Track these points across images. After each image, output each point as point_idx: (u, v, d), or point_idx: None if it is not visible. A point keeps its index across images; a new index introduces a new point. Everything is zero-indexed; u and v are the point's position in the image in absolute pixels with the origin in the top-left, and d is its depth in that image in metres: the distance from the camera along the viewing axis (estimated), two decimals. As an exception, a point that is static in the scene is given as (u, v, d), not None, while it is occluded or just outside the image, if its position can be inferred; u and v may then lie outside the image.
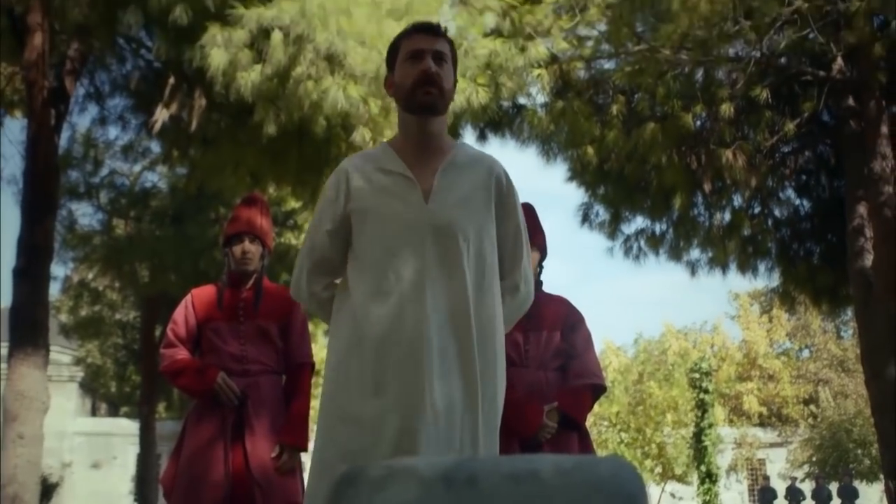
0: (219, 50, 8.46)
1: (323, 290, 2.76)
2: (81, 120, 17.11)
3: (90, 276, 20.76)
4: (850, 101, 11.73)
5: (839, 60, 11.34)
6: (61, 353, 27.74)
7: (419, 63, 2.60)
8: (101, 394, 32.26)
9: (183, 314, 4.26)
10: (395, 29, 8.59)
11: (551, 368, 3.88)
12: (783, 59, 12.20)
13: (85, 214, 18.97)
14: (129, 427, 26.63)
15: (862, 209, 11.60)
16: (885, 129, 11.18)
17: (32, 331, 10.07)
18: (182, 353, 4.18)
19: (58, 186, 11.85)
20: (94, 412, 35.30)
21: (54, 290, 20.12)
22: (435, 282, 2.52)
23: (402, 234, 2.55)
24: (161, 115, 10.30)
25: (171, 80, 10.17)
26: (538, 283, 4.05)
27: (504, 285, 2.73)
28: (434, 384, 2.45)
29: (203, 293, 4.33)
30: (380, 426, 2.43)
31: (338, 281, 2.75)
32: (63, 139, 12.86)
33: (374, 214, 2.59)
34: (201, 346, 4.25)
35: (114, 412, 33.58)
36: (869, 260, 11.45)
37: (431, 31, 2.68)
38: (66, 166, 15.58)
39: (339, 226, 2.67)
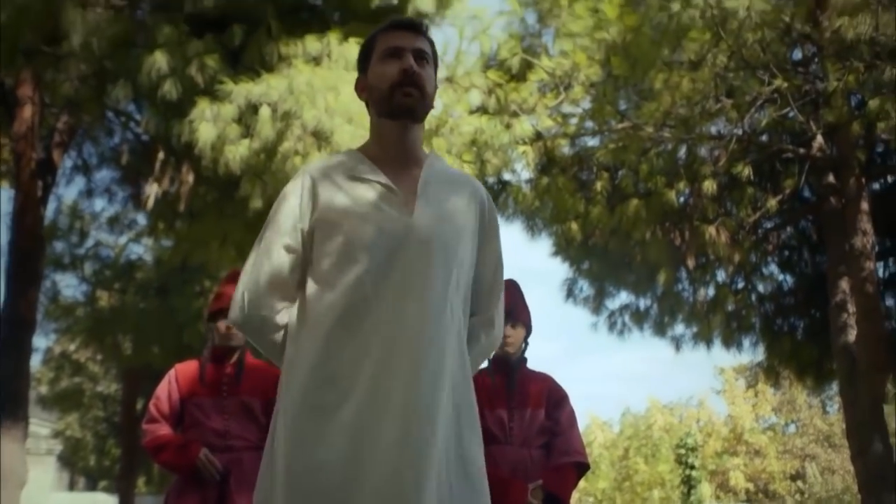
0: (207, 124, 8.55)
1: (277, 315, 2.27)
2: (68, 192, 17.24)
3: (72, 347, 20.60)
4: (831, 178, 11.89)
5: (819, 138, 11.52)
6: (40, 426, 27.39)
7: (398, 61, 2.29)
8: (79, 467, 31.79)
9: (166, 389, 4.25)
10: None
11: (535, 446, 3.86)
12: (764, 137, 12.39)
13: (69, 286, 18.89)
14: (107, 502, 26.15)
15: (844, 284, 11.67)
16: (865, 206, 11.31)
17: (12, 404, 9.98)
18: (164, 429, 4.17)
19: (42, 258, 11.84)
20: (71, 486, 34.73)
21: (35, 361, 19.97)
22: (413, 305, 2.14)
23: (382, 250, 2.16)
24: (152, 189, 10.36)
25: (161, 155, 10.25)
26: (522, 360, 4.07)
27: (478, 321, 2.42)
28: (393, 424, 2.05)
29: (187, 368, 4.33)
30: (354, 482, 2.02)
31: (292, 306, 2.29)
32: (49, 210, 12.91)
33: (347, 228, 2.19)
34: (184, 422, 4.24)
35: (92, 486, 33.07)
36: (852, 335, 11.50)
37: (412, 27, 2.38)
38: (51, 237, 15.58)
39: (300, 240, 2.25)
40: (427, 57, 2.34)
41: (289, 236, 2.26)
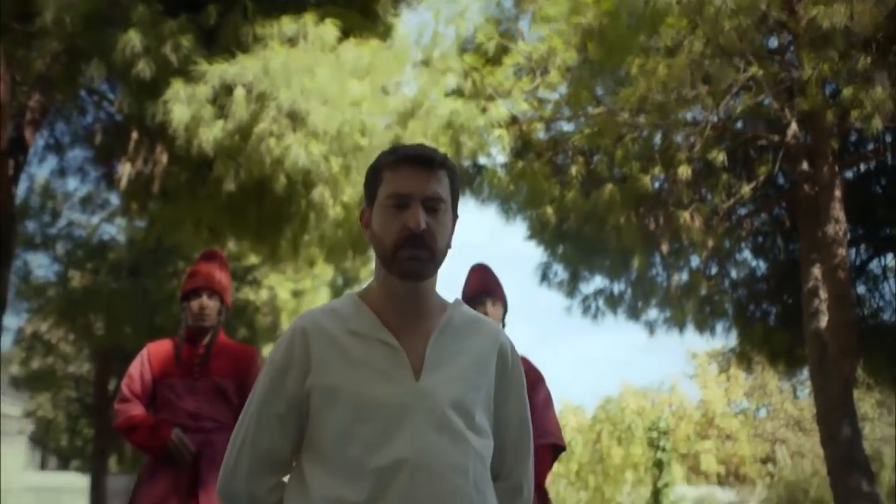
0: (181, 105, 8.48)
1: (269, 493, 2.02)
2: (40, 171, 17.07)
3: (44, 327, 20.47)
4: (805, 166, 11.97)
5: (793, 126, 11.59)
6: (11, 406, 27.21)
7: (404, 213, 1.94)
8: (51, 448, 31.63)
9: (139, 369, 4.23)
10: (357, 88, 8.69)
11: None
12: (739, 124, 12.46)
13: (41, 266, 18.80)
14: (79, 482, 26.04)
15: (817, 271, 11.77)
16: (837, 194, 11.39)
17: (-17, 384, 9.90)
18: (137, 409, 4.15)
19: (14, 237, 11.72)
20: (43, 466, 34.56)
21: (6, 341, 19.86)
22: (427, 484, 1.86)
23: (386, 421, 1.89)
24: (125, 169, 10.28)
25: (135, 135, 10.16)
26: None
27: (503, 487, 2.10)
28: None
29: (159, 348, 4.31)
30: None
31: (285, 479, 2.05)
32: (21, 189, 12.78)
33: (346, 396, 1.91)
34: (156, 402, 4.22)
35: (64, 466, 32.92)
36: (824, 321, 11.60)
37: (425, 163, 1.99)
38: (23, 217, 15.45)
39: (293, 407, 1.97)
40: (440, 202, 1.98)
41: (280, 403, 1.98)
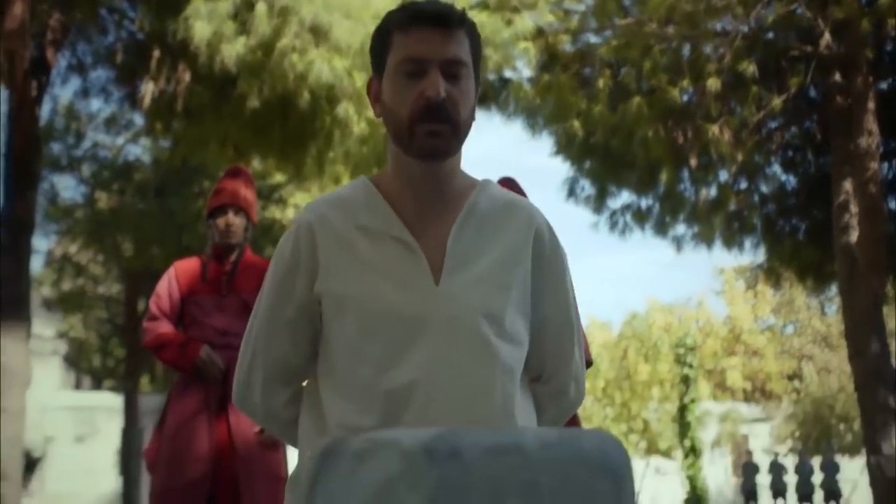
0: (202, 21, 8.40)
1: (284, 406, 1.84)
2: (63, 92, 16.98)
3: (73, 249, 20.66)
4: (837, 77, 11.71)
5: (826, 36, 11.30)
6: (44, 327, 27.62)
7: (420, 81, 1.68)
8: (84, 368, 32.15)
9: (166, 287, 4.22)
10: (380, 1, 8.54)
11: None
12: (770, 34, 12.16)
13: (67, 187, 18.92)
14: (112, 401, 26.52)
15: (848, 185, 11.61)
16: (871, 105, 11.17)
17: (14, 304, 10.01)
18: (165, 327, 4.15)
19: (39, 159, 11.76)
20: (77, 386, 35.19)
21: (36, 263, 20.10)
22: (446, 409, 1.64)
23: (399, 335, 1.67)
24: (148, 89, 10.23)
25: (156, 53, 10.09)
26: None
27: (545, 391, 1.88)
28: None
29: (186, 266, 4.29)
30: None
31: (304, 384, 1.87)
32: (45, 111, 12.78)
33: (354, 305, 1.69)
34: (184, 320, 4.22)
35: (97, 386, 33.50)
36: (854, 236, 11.48)
37: (441, 21, 1.70)
38: (47, 139, 15.48)
39: (304, 313, 1.76)
40: (462, 66, 1.71)
41: (288, 308, 1.77)
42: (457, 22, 1.71)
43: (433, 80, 1.66)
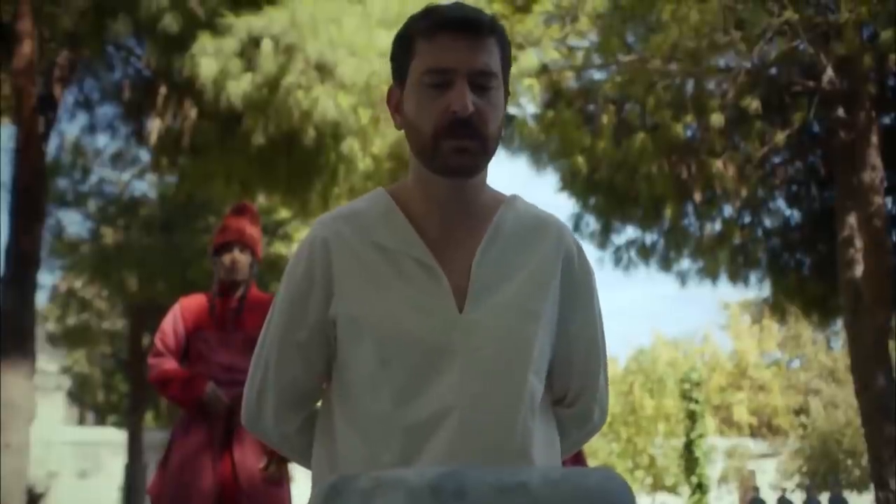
0: (209, 59, 8.47)
1: (298, 432, 1.73)
2: (70, 128, 17.13)
3: (78, 284, 20.69)
4: (840, 112, 11.76)
5: (829, 71, 11.37)
6: (48, 363, 27.62)
7: (446, 93, 1.54)
8: (88, 403, 32.11)
9: (171, 323, 4.22)
10: (386, 39, 8.60)
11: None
12: (773, 70, 12.24)
13: (73, 223, 18.97)
14: (116, 436, 26.46)
15: (852, 220, 11.62)
16: (874, 140, 11.21)
17: (20, 339, 10.02)
18: (170, 364, 4.15)
19: (46, 194, 11.81)
20: (81, 421, 35.11)
21: (42, 298, 20.09)
22: (469, 443, 1.54)
23: (420, 366, 1.56)
24: (155, 125, 10.31)
25: (163, 90, 10.17)
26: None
27: (567, 413, 1.77)
28: None
29: (192, 302, 4.30)
30: None
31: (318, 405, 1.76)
32: (51, 147, 12.84)
33: (370, 331, 1.57)
34: (189, 356, 4.22)
35: (101, 421, 33.43)
36: (859, 270, 11.47)
37: (470, 28, 1.57)
38: (54, 174, 15.53)
39: (317, 335, 1.64)
40: (491, 76, 1.57)
41: (301, 331, 1.65)
42: (486, 29, 1.58)
43: (460, 93, 1.53)
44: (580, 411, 1.77)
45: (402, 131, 1.66)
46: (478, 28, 1.56)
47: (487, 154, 1.57)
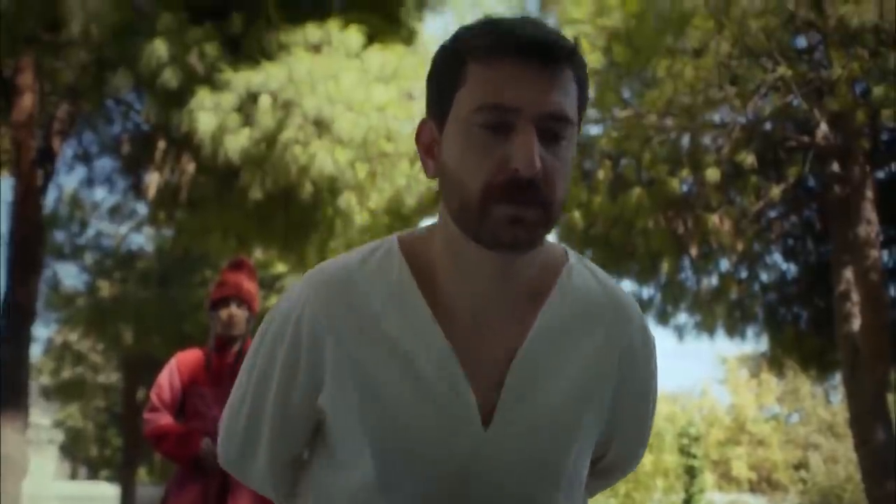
0: (207, 113, 8.54)
1: (293, 487, 1.42)
2: (68, 180, 17.20)
3: (73, 337, 20.63)
4: (835, 167, 11.83)
5: (823, 126, 11.46)
6: (41, 416, 27.43)
7: (504, 140, 1.13)
8: (80, 457, 31.85)
9: (167, 379, 4.21)
10: (382, 94, 8.68)
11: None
12: (768, 125, 12.33)
13: (69, 275, 19.07)
14: (109, 491, 26.18)
15: (849, 274, 11.63)
16: (869, 195, 11.26)
17: (13, 393, 9.97)
18: (165, 419, 4.13)
19: (43, 246, 11.82)
20: (73, 476, 34.80)
21: (36, 351, 20.01)
22: None
23: (432, 488, 1.24)
24: (153, 179, 10.37)
25: (161, 144, 10.24)
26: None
27: (597, 469, 1.47)
28: None
29: (188, 357, 4.29)
30: None
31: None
32: (49, 199, 12.90)
33: (375, 444, 1.24)
34: (185, 411, 4.20)
35: (94, 476, 33.14)
36: (856, 324, 11.46)
37: (544, 54, 1.14)
38: (51, 227, 15.56)
39: (296, 416, 1.31)
40: (568, 124, 1.16)
41: (292, 406, 1.30)
42: (565, 56, 1.16)
43: (526, 144, 1.11)
44: (607, 470, 1.50)
45: (435, 180, 1.25)
46: (555, 54, 1.14)
47: (549, 225, 1.18)
